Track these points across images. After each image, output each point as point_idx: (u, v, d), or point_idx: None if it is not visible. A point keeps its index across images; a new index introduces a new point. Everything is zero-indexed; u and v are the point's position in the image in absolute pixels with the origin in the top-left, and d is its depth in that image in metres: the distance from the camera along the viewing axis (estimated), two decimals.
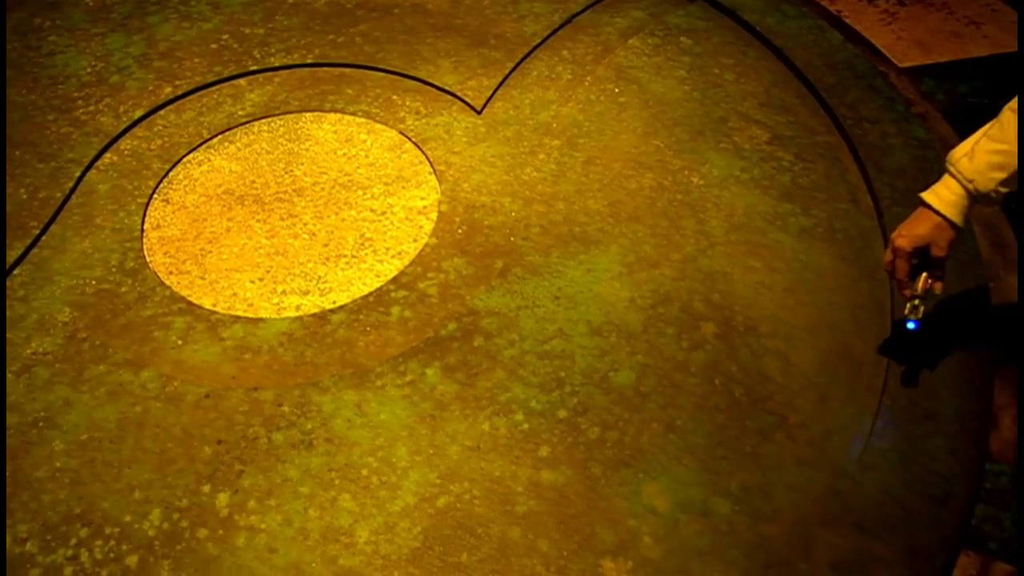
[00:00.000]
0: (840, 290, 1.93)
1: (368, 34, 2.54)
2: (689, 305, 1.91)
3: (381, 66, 2.44)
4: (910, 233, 1.52)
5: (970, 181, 1.45)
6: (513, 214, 2.09)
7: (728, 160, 2.18)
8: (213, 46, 2.54)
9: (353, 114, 2.34)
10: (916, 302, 1.51)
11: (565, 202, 2.10)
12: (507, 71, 2.41)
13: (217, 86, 2.41)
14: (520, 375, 1.80)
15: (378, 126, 2.30)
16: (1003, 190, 1.46)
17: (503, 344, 1.85)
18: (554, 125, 2.28)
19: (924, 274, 1.53)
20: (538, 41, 2.50)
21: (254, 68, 2.46)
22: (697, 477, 1.65)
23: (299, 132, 2.30)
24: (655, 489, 1.64)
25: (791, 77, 2.37)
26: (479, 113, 2.31)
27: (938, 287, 1.53)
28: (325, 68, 2.46)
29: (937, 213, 1.49)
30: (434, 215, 2.09)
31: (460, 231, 2.06)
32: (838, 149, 2.21)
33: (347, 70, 2.45)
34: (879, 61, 2.49)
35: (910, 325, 1.48)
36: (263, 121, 2.33)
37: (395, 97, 2.37)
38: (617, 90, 2.36)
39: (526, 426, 1.72)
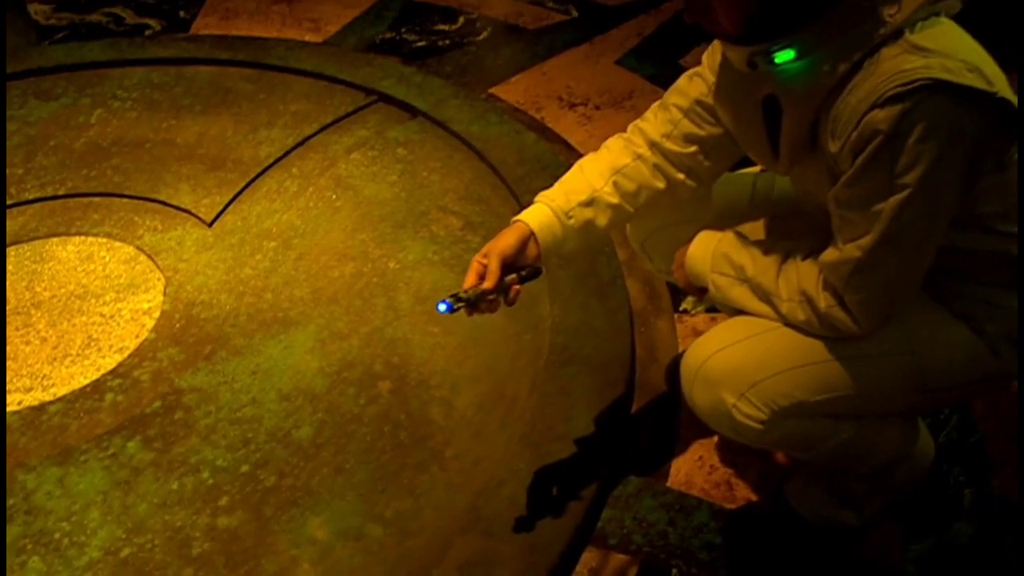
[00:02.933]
0: (504, 343, 2.23)
1: (119, 167, 2.83)
2: (370, 368, 2.17)
3: (126, 192, 2.72)
4: None
5: (552, 200, 1.66)
6: (227, 307, 2.35)
7: (423, 246, 2.50)
8: None
9: (96, 235, 2.59)
10: (462, 294, 1.54)
11: (273, 292, 2.38)
12: (239, 189, 2.71)
13: None
14: (212, 439, 2.02)
15: (117, 244, 2.56)
16: (587, 214, 1.66)
17: (200, 415, 2.08)
18: (274, 230, 2.57)
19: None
20: (271, 162, 2.82)
21: (9, 203, 2.71)
22: (356, 509, 1.88)
23: (44, 254, 2.54)
24: (318, 522, 1.86)
25: (489, 173, 2.72)
26: (210, 226, 2.60)
27: (487, 284, 1.54)
28: (75, 198, 2.72)
29: (517, 221, 1.63)
30: (157, 314, 2.34)
31: (178, 325, 2.31)
32: None
33: (95, 199, 2.72)
34: (572, 155, 2.87)
35: (441, 307, 1.52)
36: (12, 248, 2.57)
37: (136, 218, 2.64)
38: (334, 196, 2.68)
39: (211, 481, 1.94)
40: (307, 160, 2.85)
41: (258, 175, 2.78)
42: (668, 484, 1.98)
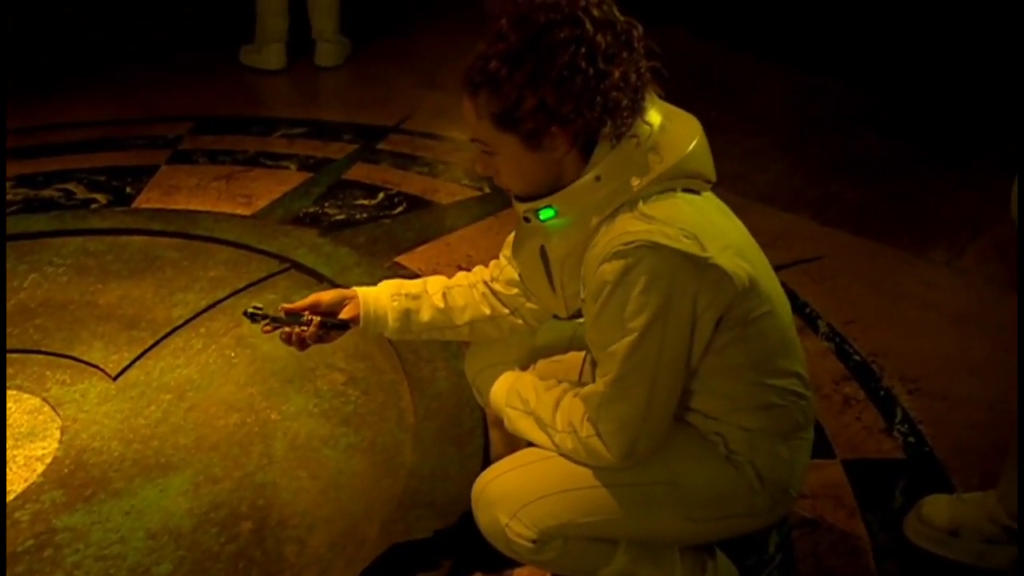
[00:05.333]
0: (364, 488, 2.40)
1: (41, 326, 3.06)
2: (236, 509, 2.34)
3: (43, 349, 2.94)
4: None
5: (387, 283, 1.94)
6: (116, 453, 2.53)
7: (306, 399, 2.70)
8: None
9: (7, 388, 2.79)
10: (266, 309, 1.83)
11: (159, 440, 2.56)
12: (147, 346, 2.94)
13: None
14: (75, 575, 2.16)
15: (25, 395, 2.76)
16: (411, 304, 1.91)
17: (69, 552, 2.22)
18: (172, 384, 2.78)
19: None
20: (181, 322, 3.05)
21: None
22: None
23: None
24: None
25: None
26: (114, 379, 2.80)
27: (285, 305, 1.87)
28: None
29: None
30: (49, 460, 2.51)
31: (67, 470, 2.48)
32: (399, 384, 2.76)
33: (13, 354, 2.93)
34: None
35: (249, 309, 1.82)
36: None
37: (48, 372, 2.85)
38: (233, 354, 2.90)
39: None
40: (215, 321, 3.09)
41: (167, 334, 3.01)
42: None
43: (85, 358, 2.91)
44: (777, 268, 3.06)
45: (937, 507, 2.22)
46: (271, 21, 5.09)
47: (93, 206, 3.90)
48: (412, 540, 2.19)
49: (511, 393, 1.85)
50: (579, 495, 1.71)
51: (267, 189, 3.98)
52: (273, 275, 3.32)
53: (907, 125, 4.43)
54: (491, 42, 1.58)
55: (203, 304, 3.16)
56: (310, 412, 2.66)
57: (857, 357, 2.93)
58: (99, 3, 5.16)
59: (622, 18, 1.63)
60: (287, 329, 1.85)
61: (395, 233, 3.63)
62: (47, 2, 5.01)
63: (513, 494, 1.73)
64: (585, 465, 1.72)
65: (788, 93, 4.91)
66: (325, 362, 2.86)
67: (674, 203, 1.62)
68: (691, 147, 1.65)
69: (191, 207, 3.85)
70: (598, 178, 1.61)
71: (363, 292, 1.92)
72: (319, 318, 1.85)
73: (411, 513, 2.26)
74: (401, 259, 3.45)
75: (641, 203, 1.60)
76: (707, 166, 1.70)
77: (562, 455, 1.75)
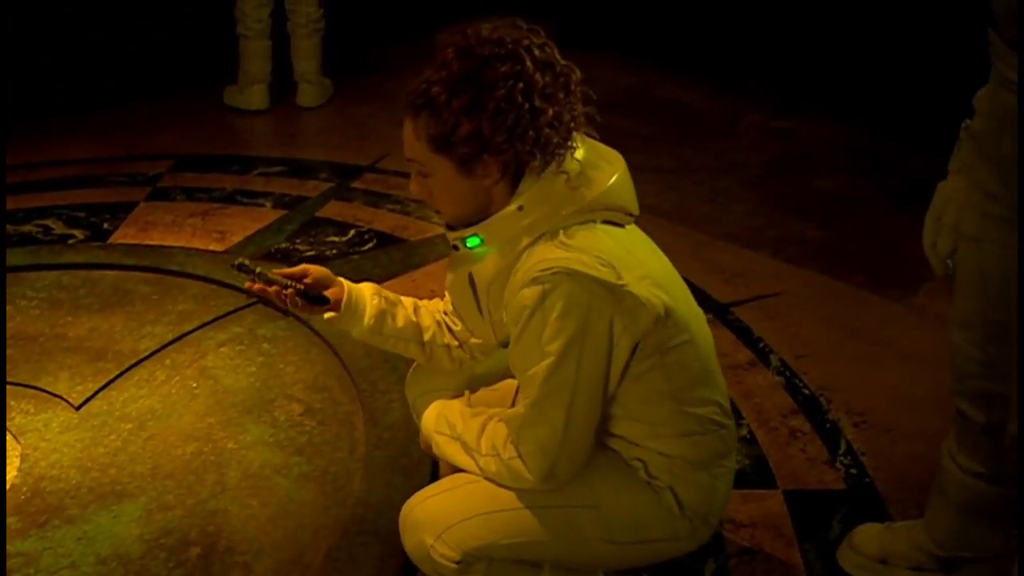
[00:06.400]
0: (312, 515, 2.46)
1: (9, 357, 3.11)
2: (186, 536, 2.39)
3: (9, 380, 3.00)
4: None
5: (372, 284, 2.02)
6: (73, 481, 2.58)
7: (263, 429, 2.77)
8: None
9: None
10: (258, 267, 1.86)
11: (116, 468, 2.62)
12: (112, 377, 3.00)
13: None
14: None
15: None
16: (389, 307, 1.98)
17: None
18: (133, 414, 2.84)
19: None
20: (147, 354, 3.12)
21: None
22: None
23: None
24: None
25: (337, 365, 3.01)
26: (77, 409, 2.87)
27: (278, 269, 1.90)
28: None
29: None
30: (7, 487, 2.57)
31: (23, 497, 2.53)
32: (355, 415, 2.83)
33: None
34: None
35: (235, 262, 1.85)
36: None
37: (12, 402, 2.91)
38: (195, 385, 2.97)
39: None
40: (181, 353, 3.15)
41: (132, 365, 3.08)
42: None
43: (50, 388, 2.98)
44: (735, 304, 3.16)
45: (868, 536, 2.27)
46: (255, 63, 5.20)
47: (70, 241, 3.98)
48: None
49: (439, 419, 1.91)
50: (502, 517, 1.77)
51: (242, 226, 4.06)
52: (240, 309, 3.38)
53: (866, 166, 4.53)
54: (436, 69, 1.69)
55: (170, 336, 3.23)
56: (266, 442, 2.72)
57: (807, 391, 2.99)
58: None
59: (562, 61, 1.73)
60: (263, 285, 1.88)
61: (363, 269, 3.70)
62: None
63: (438, 516, 1.78)
64: (509, 488, 1.78)
65: (756, 134, 5.01)
66: (284, 393, 2.93)
67: (594, 234, 1.70)
68: (611, 181, 1.74)
69: (166, 243, 3.92)
70: (521, 208, 1.69)
71: (348, 283, 1.98)
72: (302, 286, 1.89)
73: (356, 540, 2.32)
74: None
75: (562, 233, 1.68)
76: (628, 200, 1.78)
77: (487, 479, 1.80)
